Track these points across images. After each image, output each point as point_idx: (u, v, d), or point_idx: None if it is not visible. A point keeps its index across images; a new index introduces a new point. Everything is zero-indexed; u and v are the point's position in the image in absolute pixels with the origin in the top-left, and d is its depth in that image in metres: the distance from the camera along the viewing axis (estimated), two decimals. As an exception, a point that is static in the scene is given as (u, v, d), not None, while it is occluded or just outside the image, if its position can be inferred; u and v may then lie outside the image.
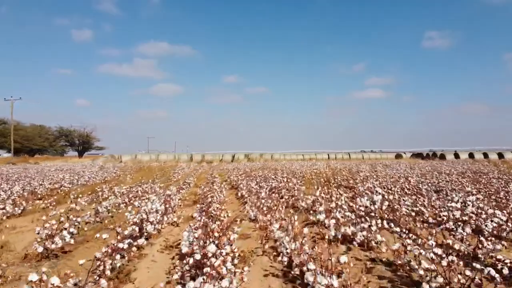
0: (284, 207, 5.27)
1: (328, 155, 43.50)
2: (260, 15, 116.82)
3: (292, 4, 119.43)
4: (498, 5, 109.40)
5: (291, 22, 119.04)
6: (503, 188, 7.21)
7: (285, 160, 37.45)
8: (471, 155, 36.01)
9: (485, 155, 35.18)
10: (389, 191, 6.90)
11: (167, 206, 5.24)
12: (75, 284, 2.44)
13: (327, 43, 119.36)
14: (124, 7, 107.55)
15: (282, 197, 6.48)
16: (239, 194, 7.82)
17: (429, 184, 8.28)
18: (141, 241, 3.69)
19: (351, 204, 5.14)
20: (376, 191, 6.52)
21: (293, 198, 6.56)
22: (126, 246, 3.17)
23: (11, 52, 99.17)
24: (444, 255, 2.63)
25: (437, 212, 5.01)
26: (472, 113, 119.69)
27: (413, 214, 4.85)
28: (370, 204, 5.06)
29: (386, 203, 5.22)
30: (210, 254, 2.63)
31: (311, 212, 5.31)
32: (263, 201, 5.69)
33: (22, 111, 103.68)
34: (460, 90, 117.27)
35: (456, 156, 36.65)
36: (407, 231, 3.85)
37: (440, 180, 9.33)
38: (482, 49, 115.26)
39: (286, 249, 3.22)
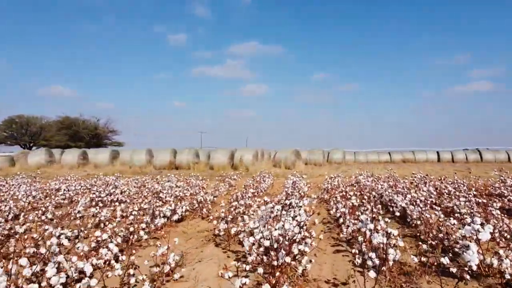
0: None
1: (438, 153, 28.49)
2: (349, 10, 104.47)
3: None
4: None
5: (383, 12, 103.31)
6: None
7: (355, 163, 24.66)
8: None
9: None
10: None
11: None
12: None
13: (423, 33, 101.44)
14: (216, 9, 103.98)
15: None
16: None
17: None
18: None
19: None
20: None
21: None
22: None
23: (119, 59, 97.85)
24: None
25: None
26: None
27: None
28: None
29: None
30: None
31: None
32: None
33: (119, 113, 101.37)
34: None
35: None
36: None
37: None
38: None
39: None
